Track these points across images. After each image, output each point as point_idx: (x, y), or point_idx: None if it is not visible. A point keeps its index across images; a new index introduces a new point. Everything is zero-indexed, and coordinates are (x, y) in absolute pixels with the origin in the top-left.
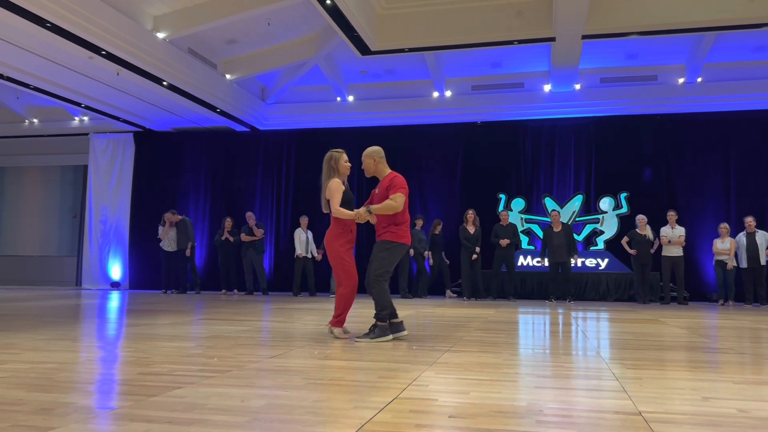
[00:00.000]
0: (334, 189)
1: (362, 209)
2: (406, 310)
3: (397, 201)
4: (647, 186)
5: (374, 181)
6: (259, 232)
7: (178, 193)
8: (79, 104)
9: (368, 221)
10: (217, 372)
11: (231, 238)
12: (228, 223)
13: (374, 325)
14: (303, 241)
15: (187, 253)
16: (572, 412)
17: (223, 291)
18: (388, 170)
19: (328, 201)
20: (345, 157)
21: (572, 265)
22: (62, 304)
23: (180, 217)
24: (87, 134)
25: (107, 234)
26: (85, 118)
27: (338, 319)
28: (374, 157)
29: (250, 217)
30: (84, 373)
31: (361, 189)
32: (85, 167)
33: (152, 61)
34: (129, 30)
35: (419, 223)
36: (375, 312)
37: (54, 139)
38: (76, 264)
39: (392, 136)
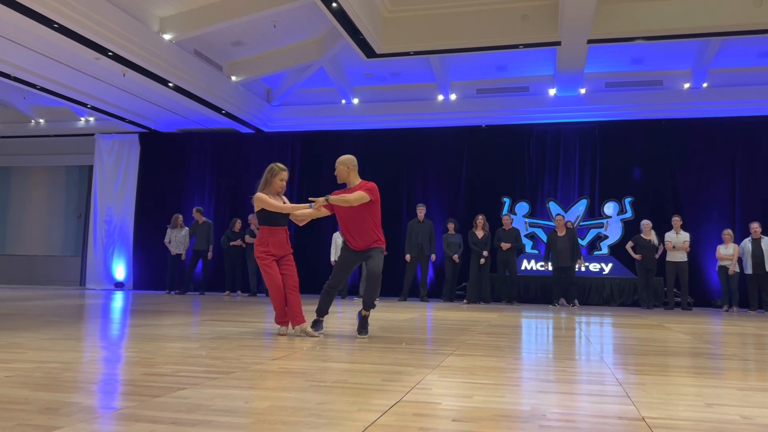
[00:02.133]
0: (262, 199)
1: (321, 198)
2: (410, 313)
3: (355, 196)
4: (651, 190)
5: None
6: None
7: (183, 194)
8: (85, 105)
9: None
10: (221, 373)
11: (243, 245)
12: (237, 225)
13: (366, 317)
14: (338, 245)
15: (209, 255)
16: (575, 417)
17: (227, 292)
18: (359, 180)
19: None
20: (284, 175)
21: (576, 269)
22: (66, 303)
23: (204, 218)
24: (92, 135)
25: (112, 234)
26: (91, 119)
27: (278, 319)
28: (348, 165)
29: (253, 220)
30: (89, 373)
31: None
32: (91, 167)
33: (158, 62)
34: (135, 31)
35: (451, 227)
36: (370, 305)
37: (60, 139)
38: (80, 264)
39: (397, 138)
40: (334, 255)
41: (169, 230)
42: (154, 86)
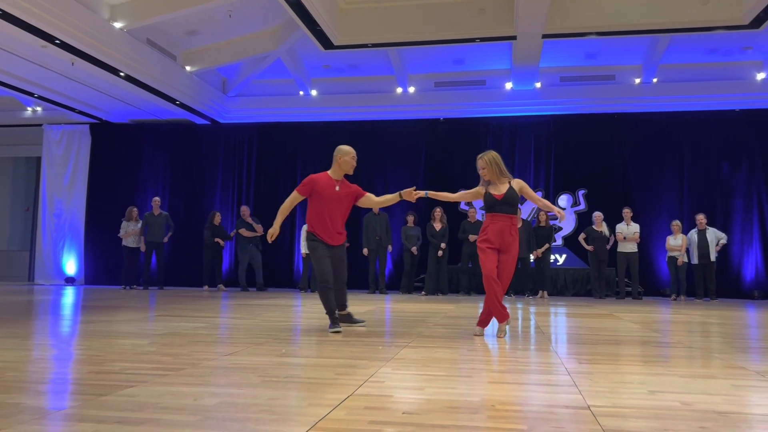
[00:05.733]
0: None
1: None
2: (368, 305)
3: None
4: (603, 182)
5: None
6: (259, 228)
7: (136, 186)
8: (32, 94)
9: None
10: (171, 370)
11: (221, 243)
12: (217, 218)
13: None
14: None
15: (165, 240)
16: (524, 407)
17: (206, 287)
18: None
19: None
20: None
21: (531, 260)
22: (13, 300)
23: (161, 210)
24: (40, 125)
25: (62, 228)
26: (39, 109)
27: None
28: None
29: (246, 212)
30: (33, 373)
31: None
32: (39, 159)
33: (109, 51)
34: (84, 19)
35: (410, 219)
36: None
37: (5, 130)
38: (28, 259)
39: (355, 131)
40: (305, 248)
41: (124, 223)
42: (104, 76)
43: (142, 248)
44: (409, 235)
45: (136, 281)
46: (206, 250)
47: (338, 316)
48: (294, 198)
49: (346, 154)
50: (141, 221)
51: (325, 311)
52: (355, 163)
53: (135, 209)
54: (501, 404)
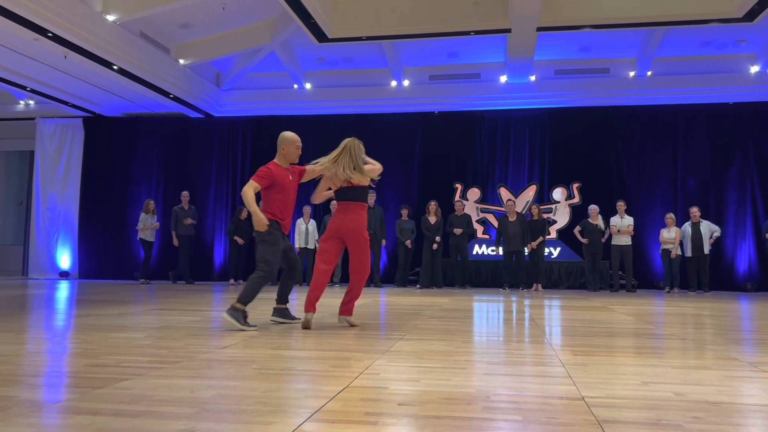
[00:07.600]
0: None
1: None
2: (363, 299)
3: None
4: (597, 175)
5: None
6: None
7: (130, 180)
8: (24, 88)
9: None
10: (167, 363)
11: (239, 241)
12: (244, 213)
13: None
14: (302, 232)
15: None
16: (519, 398)
17: (232, 281)
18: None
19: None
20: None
21: (526, 253)
22: (7, 294)
23: (189, 204)
24: (33, 119)
25: (55, 222)
26: (31, 102)
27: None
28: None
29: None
30: (28, 366)
31: None
32: (32, 153)
33: (102, 44)
34: (77, 11)
35: (405, 213)
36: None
37: None
38: (22, 253)
39: (350, 124)
40: (299, 242)
41: (142, 216)
42: (97, 69)
43: (175, 242)
44: (404, 229)
45: (148, 275)
46: (230, 245)
47: (277, 308)
48: (255, 188)
49: (290, 144)
50: (156, 214)
51: (242, 302)
52: (300, 152)
53: (152, 201)
54: (496, 396)
